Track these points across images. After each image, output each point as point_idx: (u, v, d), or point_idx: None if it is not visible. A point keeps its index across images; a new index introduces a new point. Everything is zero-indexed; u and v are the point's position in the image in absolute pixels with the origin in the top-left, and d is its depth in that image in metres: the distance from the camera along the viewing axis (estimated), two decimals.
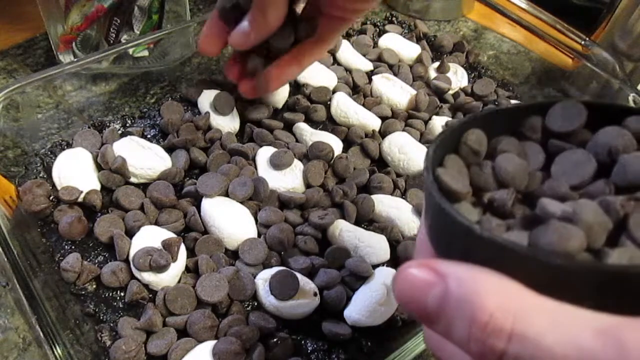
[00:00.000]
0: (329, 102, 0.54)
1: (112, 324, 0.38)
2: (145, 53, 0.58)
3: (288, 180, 0.47)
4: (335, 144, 0.50)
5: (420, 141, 0.51)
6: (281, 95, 0.54)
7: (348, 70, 0.59)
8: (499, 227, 0.20)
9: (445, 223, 0.20)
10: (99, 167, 0.46)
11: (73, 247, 0.42)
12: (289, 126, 0.52)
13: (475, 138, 0.23)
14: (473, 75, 0.62)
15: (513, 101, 0.42)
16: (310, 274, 0.41)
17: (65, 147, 0.48)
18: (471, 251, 0.19)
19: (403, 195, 0.48)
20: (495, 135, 0.24)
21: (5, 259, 0.37)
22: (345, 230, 0.43)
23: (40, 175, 0.46)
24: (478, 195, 0.23)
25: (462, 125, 0.23)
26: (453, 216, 0.19)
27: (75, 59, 0.51)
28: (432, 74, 0.60)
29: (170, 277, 0.39)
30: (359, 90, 0.57)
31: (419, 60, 0.61)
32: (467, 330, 0.17)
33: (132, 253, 0.40)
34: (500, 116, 0.24)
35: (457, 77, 0.60)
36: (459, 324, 0.18)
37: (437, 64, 0.60)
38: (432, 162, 0.22)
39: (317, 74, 0.55)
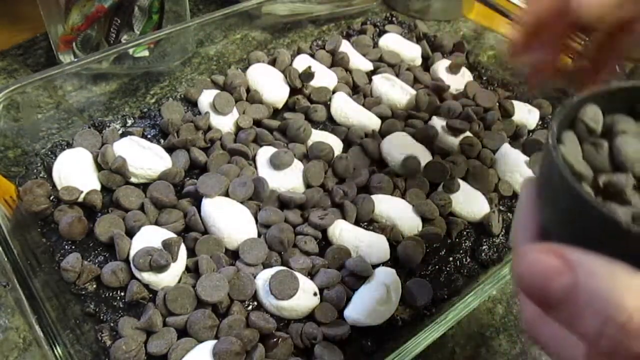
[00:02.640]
0: (329, 102, 0.54)
1: (112, 324, 0.38)
2: (146, 53, 0.58)
3: (288, 180, 0.47)
4: (335, 144, 0.50)
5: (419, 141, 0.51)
6: (281, 95, 0.54)
7: (348, 70, 0.59)
8: (626, 216, 0.19)
9: (576, 209, 0.19)
10: (99, 167, 0.46)
11: (73, 247, 0.42)
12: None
13: (592, 115, 0.22)
14: (473, 75, 0.61)
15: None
16: (310, 274, 0.41)
17: (66, 147, 0.48)
18: (606, 243, 0.18)
19: (403, 195, 0.48)
20: (611, 113, 0.23)
21: (6, 259, 0.37)
22: (345, 230, 0.43)
23: (41, 175, 0.46)
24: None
25: (579, 101, 0.22)
26: (594, 206, 0.18)
27: (76, 59, 0.51)
28: (436, 73, 0.60)
29: (170, 277, 0.39)
30: (359, 90, 0.57)
31: (424, 59, 0.61)
32: (598, 326, 0.17)
33: (132, 253, 0.40)
34: (619, 94, 0.23)
35: (464, 77, 0.60)
36: (589, 318, 0.17)
37: (446, 62, 0.60)
38: (555, 139, 0.20)
39: (317, 74, 0.55)
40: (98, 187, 0.45)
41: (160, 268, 0.38)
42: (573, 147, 0.22)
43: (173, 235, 0.41)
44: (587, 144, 0.22)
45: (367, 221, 0.46)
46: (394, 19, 0.68)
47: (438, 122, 0.53)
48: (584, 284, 0.17)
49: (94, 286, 0.40)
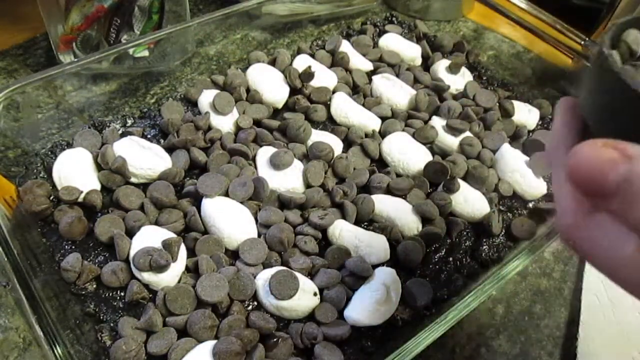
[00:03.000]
0: (329, 102, 0.54)
1: (112, 324, 0.38)
2: (146, 53, 0.58)
3: (288, 180, 0.47)
4: (335, 144, 0.50)
5: (419, 141, 0.51)
6: (281, 95, 0.54)
7: (348, 70, 0.59)
8: None
9: (626, 100, 0.20)
10: (99, 167, 0.46)
11: (73, 247, 0.42)
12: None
13: (633, 38, 0.23)
14: (473, 75, 0.61)
15: None
16: (310, 274, 0.41)
17: (66, 147, 0.48)
18: None
19: (403, 195, 0.48)
20: None
21: (6, 259, 0.37)
22: (345, 230, 0.43)
23: (41, 175, 0.46)
24: None
25: (624, 23, 0.24)
26: None
27: (76, 59, 0.51)
28: (436, 73, 0.60)
29: (170, 277, 0.39)
30: (359, 90, 0.57)
31: (424, 59, 0.61)
32: None
33: (132, 253, 0.40)
34: None
35: (464, 77, 0.60)
36: None
37: (446, 62, 0.60)
38: (609, 47, 0.22)
39: (317, 74, 0.55)
40: (98, 187, 0.45)
41: (160, 268, 0.38)
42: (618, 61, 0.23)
43: (173, 235, 0.41)
44: (627, 64, 0.23)
45: (367, 221, 0.46)
46: (394, 19, 0.68)
47: (438, 122, 0.53)
48: None
49: (94, 286, 0.40)
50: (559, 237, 0.23)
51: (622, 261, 0.19)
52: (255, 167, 0.47)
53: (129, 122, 0.52)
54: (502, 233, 0.47)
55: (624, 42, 0.23)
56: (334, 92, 0.55)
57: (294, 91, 0.55)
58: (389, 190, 0.47)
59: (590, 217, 0.21)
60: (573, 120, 0.23)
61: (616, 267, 0.20)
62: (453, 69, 0.59)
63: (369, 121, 0.53)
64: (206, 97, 0.52)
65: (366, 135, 0.52)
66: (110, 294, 0.40)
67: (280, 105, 0.54)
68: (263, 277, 0.40)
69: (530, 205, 0.50)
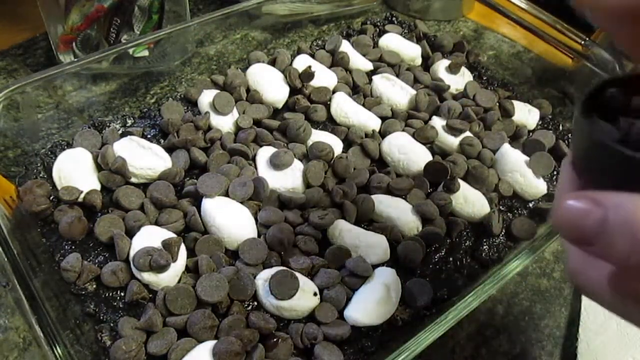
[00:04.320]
0: (329, 102, 0.54)
1: (112, 324, 0.38)
2: (145, 53, 0.58)
3: (288, 180, 0.47)
4: (335, 144, 0.50)
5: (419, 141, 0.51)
6: (281, 95, 0.54)
7: (348, 70, 0.59)
8: None
9: (601, 155, 0.22)
10: (99, 167, 0.46)
11: (73, 247, 0.42)
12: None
13: (615, 95, 0.25)
14: (473, 75, 0.61)
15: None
16: (310, 274, 0.41)
17: (66, 147, 0.48)
18: (630, 181, 0.20)
19: (403, 195, 0.48)
20: (634, 94, 0.25)
21: (6, 259, 0.37)
22: (345, 230, 0.43)
23: (41, 175, 0.46)
24: None
25: (605, 82, 0.25)
26: (614, 147, 0.20)
27: (76, 59, 0.51)
28: (436, 73, 0.60)
29: (170, 277, 0.39)
30: (359, 90, 0.57)
31: (424, 59, 0.61)
32: (628, 246, 0.20)
33: (132, 253, 0.40)
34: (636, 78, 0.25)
35: (464, 77, 0.60)
36: (620, 242, 0.20)
37: (446, 62, 0.60)
38: (584, 106, 0.23)
39: (317, 74, 0.55)
40: (98, 187, 0.45)
41: (160, 268, 0.38)
42: (598, 120, 0.24)
43: (173, 235, 0.41)
44: (611, 121, 0.24)
45: (367, 221, 0.46)
46: (394, 19, 0.68)
47: (438, 122, 0.53)
48: (612, 216, 0.20)
49: (94, 286, 0.40)
50: (569, 280, 0.26)
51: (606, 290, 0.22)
52: (255, 167, 0.47)
53: (129, 122, 0.52)
54: (502, 233, 0.47)
55: (605, 99, 0.25)
56: (334, 92, 0.55)
57: (294, 91, 0.55)
58: (389, 190, 0.47)
59: (588, 262, 0.23)
60: (571, 174, 0.26)
61: (614, 304, 0.23)
62: (453, 69, 0.59)
63: (369, 121, 0.53)
64: (206, 97, 0.52)
65: (366, 135, 0.52)
66: (110, 294, 0.39)
67: (280, 105, 0.54)
68: (263, 277, 0.40)
69: (530, 205, 0.50)
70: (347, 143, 0.52)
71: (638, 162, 0.20)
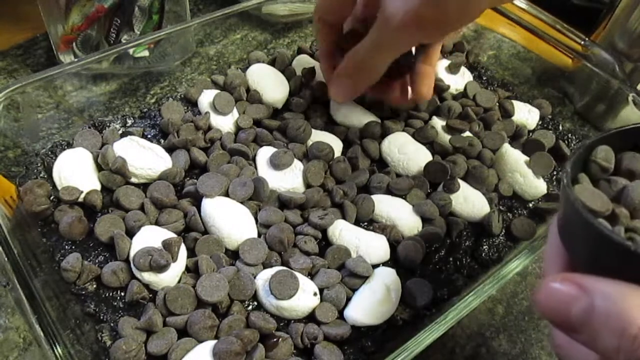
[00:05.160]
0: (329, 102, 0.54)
1: (112, 324, 0.38)
2: (146, 53, 0.58)
3: (288, 180, 0.47)
4: (335, 144, 0.50)
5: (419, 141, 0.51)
6: (281, 95, 0.54)
7: None
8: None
9: (592, 239, 0.21)
10: (99, 167, 0.46)
11: (73, 247, 0.42)
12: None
13: (604, 156, 0.24)
14: (473, 75, 0.61)
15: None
16: (310, 274, 0.41)
17: (66, 147, 0.48)
18: (620, 268, 0.20)
19: (403, 195, 0.48)
20: (620, 151, 0.25)
21: (6, 259, 0.37)
22: (345, 230, 0.43)
23: (41, 175, 0.46)
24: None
25: (590, 143, 0.25)
26: (606, 234, 0.20)
27: (76, 59, 0.51)
28: (436, 73, 0.60)
29: (170, 277, 0.39)
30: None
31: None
32: (615, 342, 0.19)
33: (132, 253, 0.40)
34: (627, 134, 0.25)
35: (464, 77, 0.60)
36: (606, 336, 0.19)
37: (446, 62, 0.60)
38: (570, 179, 0.23)
39: (317, 74, 0.55)
40: (98, 187, 0.45)
41: (160, 268, 0.39)
42: (587, 186, 0.24)
43: (173, 235, 0.41)
44: (602, 181, 0.24)
45: (367, 221, 0.46)
46: None
47: (438, 122, 0.53)
48: (599, 307, 0.19)
49: (94, 286, 0.40)
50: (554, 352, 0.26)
51: None
52: (255, 167, 0.47)
53: (129, 122, 0.52)
54: (502, 233, 0.47)
55: (594, 162, 0.25)
56: None
57: (294, 91, 0.55)
58: (389, 190, 0.47)
59: (572, 342, 0.22)
60: (558, 241, 0.25)
61: None
62: (453, 69, 0.59)
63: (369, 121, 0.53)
64: (206, 97, 0.52)
65: (366, 136, 0.52)
66: (110, 294, 0.40)
67: (280, 105, 0.54)
68: (263, 277, 0.40)
69: (530, 205, 0.50)
70: (347, 143, 0.52)
71: (625, 248, 0.20)
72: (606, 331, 0.19)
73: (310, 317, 0.39)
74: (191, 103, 0.54)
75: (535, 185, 0.49)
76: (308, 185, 0.47)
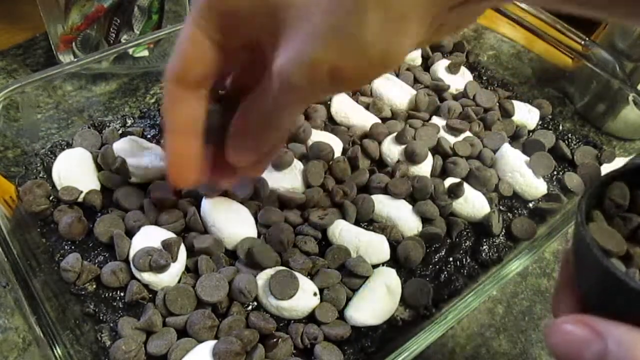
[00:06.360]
0: (329, 102, 0.54)
1: (112, 324, 0.38)
2: (145, 53, 0.58)
3: (288, 180, 0.46)
4: (335, 144, 0.50)
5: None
6: None
7: None
8: None
9: (605, 280, 0.21)
10: (99, 167, 0.46)
11: (73, 247, 0.42)
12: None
13: (619, 192, 0.24)
14: (473, 75, 0.61)
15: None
16: (310, 274, 0.41)
17: (65, 147, 0.48)
18: (633, 310, 0.20)
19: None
20: (636, 187, 0.25)
21: (5, 259, 0.37)
22: (345, 230, 0.43)
23: (40, 175, 0.46)
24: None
25: (605, 179, 0.25)
26: (620, 277, 0.20)
27: (75, 59, 0.51)
28: (436, 73, 0.60)
29: (170, 277, 0.39)
30: (359, 91, 0.57)
31: (424, 59, 0.61)
32: None
33: (132, 253, 0.40)
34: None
35: (464, 77, 0.60)
36: None
37: (446, 62, 0.60)
38: (584, 217, 0.23)
39: None
40: (98, 187, 0.45)
41: (160, 268, 0.38)
42: (601, 224, 0.24)
43: (173, 235, 0.41)
44: (617, 218, 0.24)
45: (367, 221, 0.46)
46: None
47: (438, 122, 0.53)
48: (612, 352, 0.19)
49: (94, 286, 0.40)
50: None
51: None
52: None
53: (129, 122, 0.52)
54: (502, 233, 0.47)
55: (609, 199, 0.24)
56: None
57: None
58: (387, 193, 0.47)
59: None
60: (571, 276, 0.25)
61: None
62: (453, 69, 0.59)
63: (369, 121, 0.53)
64: None
65: (366, 136, 0.52)
66: (110, 294, 0.39)
67: None
68: (263, 277, 0.40)
69: (530, 205, 0.50)
70: (347, 143, 0.52)
71: (638, 292, 0.20)
72: None
73: (310, 317, 0.39)
74: None
75: (535, 185, 0.49)
76: (308, 185, 0.47)
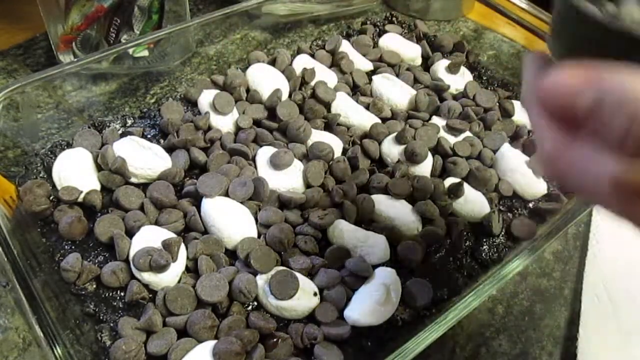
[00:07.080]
0: (329, 102, 0.54)
1: (112, 324, 0.38)
2: (145, 53, 0.58)
3: (288, 180, 0.47)
4: (335, 144, 0.50)
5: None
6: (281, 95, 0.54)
7: (348, 70, 0.59)
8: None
9: (587, 28, 0.20)
10: (99, 167, 0.46)
11: (73, 247, 0.42)
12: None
13: None
14: (473, 75, 0.61)
15: None
16: (310, 274, 0.41)
17: (65, 147, 0.48)
18: (621, 52, 0.19)
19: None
20: None
21: (6, 259, 0.37)
22: (345, 230, 0.43)
23: (41, 175, 0.46)
24: None
25: None
26: (601, 21, 0.19)
27: (75, 59, 0.51)
28: (436, 73, 0.60)
29: (170, 277, 0.39)
30: (359, 90, 0.57)
31: (424, 59, 0.61)
32: (625, 127, 0.18)
33: (132, 253, 0.40)
34: None
35: (464, 77, 0.60)
36: (616, 122, 0.18)
37: (446, 62, 0.60)
38: None
39: (317, 74, 0.55)
40: (98, 187, 0.45)
41: (160, 268, 0.38)
42: None
43: (173, 235, 0.41)
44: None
45: (367, 221, 0.46)
46: (394, 19, 0.68)
47: (438, 122, 0.53)
48: (612, 90, 0.18)
49: (94, 286, 0.40)
50: (545, 174, 0.22)
51: (603, 184, 0.19)
52: (255, 167, 0.47)
53: (129, 122, 0.52)
54: (502, 233, 0.47)
55: None
56: None
57: (294, 91, 0.55)
58: (387, 193, 0.47)
59: (570, 145, 0.20)
60: (543, 65, 0.23)
61: (599, 192, 0.19)
62: (453, 69, 0.59)
63: (369, 121, 0.53)
64: (206, 97, 0.52)
65: (366, 136, 0.52)
66: (110, 294, 0.39)
67: None
68: (263, 277, 0.40)
69: (530, 205, 0.50)
70: (347, 143, 0.52)
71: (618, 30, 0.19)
72: (616, 118, 0.18)
73: (310, 317, 0.39)
74: (191, 103, 0.54)
75: (535, 185, 0.49)
76: (308, 185, 0.47)
